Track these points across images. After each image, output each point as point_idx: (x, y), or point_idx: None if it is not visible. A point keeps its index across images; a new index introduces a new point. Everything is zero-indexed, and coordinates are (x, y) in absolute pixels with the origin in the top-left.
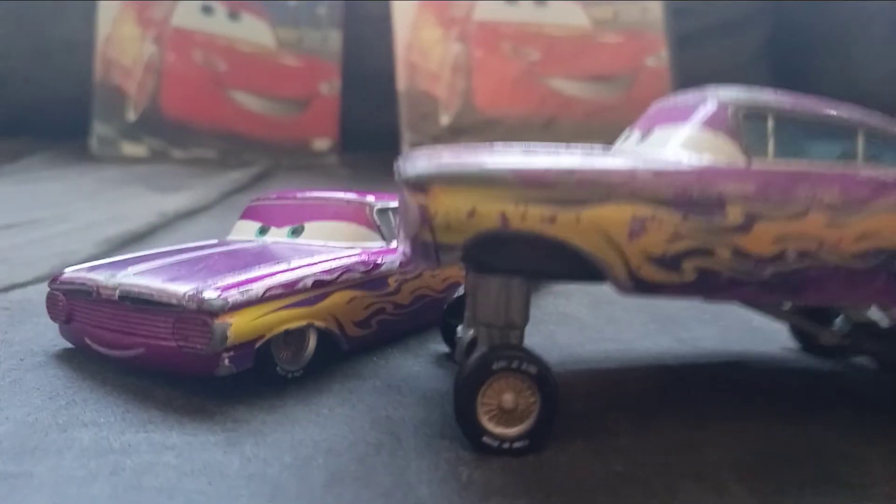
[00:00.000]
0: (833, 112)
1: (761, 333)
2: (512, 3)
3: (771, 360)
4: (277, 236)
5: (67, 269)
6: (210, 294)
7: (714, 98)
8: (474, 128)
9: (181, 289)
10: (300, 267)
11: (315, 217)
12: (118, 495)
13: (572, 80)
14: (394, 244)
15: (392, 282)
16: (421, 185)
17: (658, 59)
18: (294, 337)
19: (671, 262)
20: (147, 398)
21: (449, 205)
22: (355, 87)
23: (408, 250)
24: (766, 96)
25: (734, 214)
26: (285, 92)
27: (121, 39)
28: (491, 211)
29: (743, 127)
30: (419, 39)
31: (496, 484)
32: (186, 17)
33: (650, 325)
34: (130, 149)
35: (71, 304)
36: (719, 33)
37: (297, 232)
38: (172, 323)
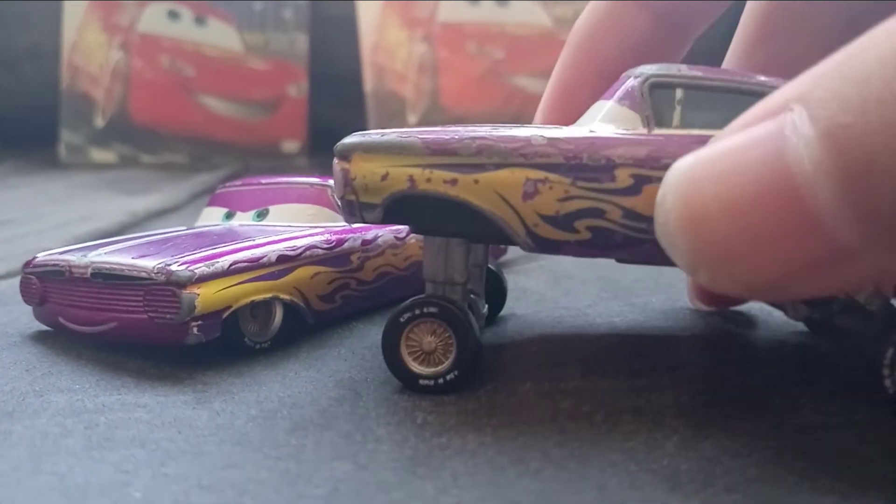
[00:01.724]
0: (747, 80)
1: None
2: (474, 3)
3: (718, 321)
4: (243, 220)
5: (40, 254)
6: (178, 266)
7: (631, 74)
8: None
9: (150, 263)
10: (265, 244)
11: (279, 200)
12: (92, 446)
13: (536, 77)
14: (355, 224)
15: (355, 259)
16: (345, 153)
17: None
18: (261, 310)
19: (564, 222)
20: (120, 368)
21: (366, 169)
22: (323, 89)
23: (341, 210)
24: (678, 69)
25: (623, 177)
26: (253, 95)
27: (87, 46)
28: (400, 174)
29: (647, 98)
30: (385, 41)
31: (449, 424)
32: (152, 22)
33: (603, 294)
34: (99, 155)
35: (44, 286)
36: None
37: (262, 215)
38: (143, 295)
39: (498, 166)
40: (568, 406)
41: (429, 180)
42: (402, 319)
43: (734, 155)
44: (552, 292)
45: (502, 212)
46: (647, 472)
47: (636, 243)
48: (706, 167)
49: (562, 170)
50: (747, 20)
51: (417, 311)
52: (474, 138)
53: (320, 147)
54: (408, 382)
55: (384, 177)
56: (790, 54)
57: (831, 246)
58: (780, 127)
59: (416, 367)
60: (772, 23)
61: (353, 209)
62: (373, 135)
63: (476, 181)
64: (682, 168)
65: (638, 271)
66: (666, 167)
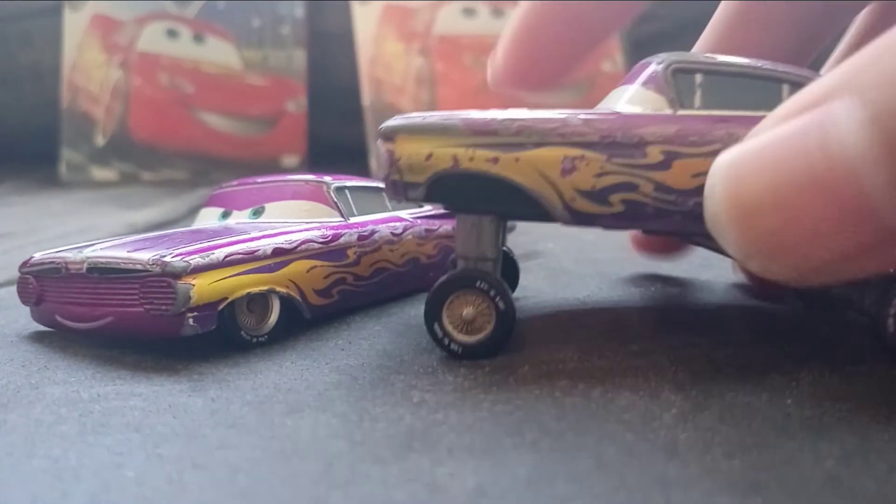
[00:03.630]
0: (759, 66)
1: (708, 286)
2: (470, 16)
3: (716, 303)
4: (239, 218)
5: (37, 254)
6: (172, 258)
7: (654, 61)
8: None
9: (145, 255)
10: (261, 237)
11: (275, 198)
12: (86, 432)
13: None
14: (352, 220)
15: (351, 254)
16: (390, 135)
17: (614, 63)
18: (258, 304)
19: (600, 196)
20: (116, 361)
21: (410, 150)
22: (321, 104)
23: (385, 190)
24: (698, 56)
25: (654, 154)
26: (252, 111)
27: (87, 66)
28: (444, 154)
29: (671, 82)
30: (382, 54)
31: (446, 401)
32: (152, 40)
33: (601, 286)
34: (100, 173)
35: (41, 284)
36: (672, 38)
37: (258, 213)
38: (138, 288)
39: (537, 145)
40: (565, 384)
41: (471, 159)
42: (445, 292)
43: (781, 145)
44: (551, 286)
45: (541, 187)
46: (645, 442)
47: (666, 214)
48: (753, 159)
49: (598, 147)
50: (721, 12)
51: (460, 285)
52: (514, 119)
53: (320, 161)
54: (448, 349)
55: (428, 157)
56: (764, 43)
57: (882, 229)
58: (825, 116)
59: (458, 336)
60: (746, 13)
61: (398, 188)
62: (415, 117)
63: (517, 159)
64: (729, 160)
65: (636, 265)
66: (693, 144)
